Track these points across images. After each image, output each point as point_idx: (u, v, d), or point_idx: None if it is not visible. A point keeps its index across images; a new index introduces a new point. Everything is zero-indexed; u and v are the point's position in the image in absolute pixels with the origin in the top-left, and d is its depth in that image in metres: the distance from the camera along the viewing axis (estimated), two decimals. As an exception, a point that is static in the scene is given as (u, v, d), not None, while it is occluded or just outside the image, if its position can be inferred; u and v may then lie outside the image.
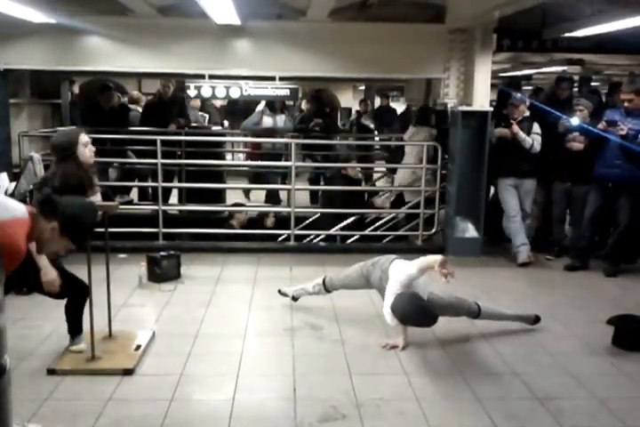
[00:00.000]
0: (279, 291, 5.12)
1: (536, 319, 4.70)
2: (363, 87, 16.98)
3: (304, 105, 10.58)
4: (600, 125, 5.93)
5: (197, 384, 3.71)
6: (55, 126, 9.17)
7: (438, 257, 3.94)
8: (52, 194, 2.79)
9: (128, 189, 8.98)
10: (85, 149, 3.97)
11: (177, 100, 9.18)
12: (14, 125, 7.27)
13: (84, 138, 3.98)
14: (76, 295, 3.88)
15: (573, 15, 7.00)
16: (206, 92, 9.81)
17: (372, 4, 6.66)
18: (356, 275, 4.53)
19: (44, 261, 3.58)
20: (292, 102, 12.51)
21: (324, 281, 4.75)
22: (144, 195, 9.19)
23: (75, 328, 4.03)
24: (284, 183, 9.12)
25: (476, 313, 4.43)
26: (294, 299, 5.01)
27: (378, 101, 15.39)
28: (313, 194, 9.46)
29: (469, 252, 6.63)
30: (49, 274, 3.60)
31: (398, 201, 8.48)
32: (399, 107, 14.38)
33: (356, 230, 7.55)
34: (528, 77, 12.99)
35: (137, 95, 10.26)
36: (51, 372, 3.74)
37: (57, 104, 9.98)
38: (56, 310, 4.04)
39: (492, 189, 6.99)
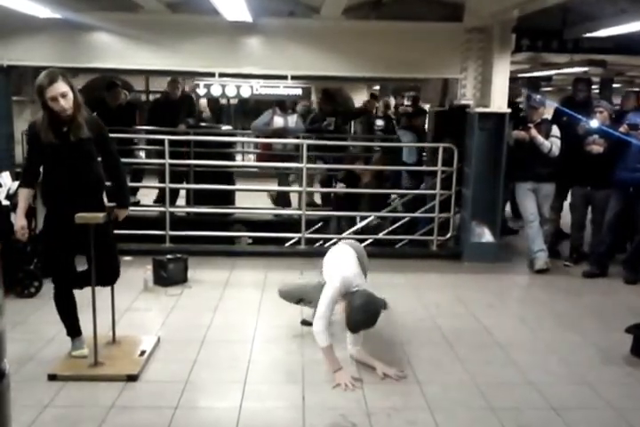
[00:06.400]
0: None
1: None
2: (377, 87, 16.82)
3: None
4: (622, 129, 5.85)
5: (203, 392, 3.67)
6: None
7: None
8: None
9: (135, 191, 8.88)
10: (53, 102, 3.52)
11: (185, 99, 9.06)
12: (17, 124, 7.20)
13: (51, 92, 3.49)
14: (55, 279, 3.88)
15: (596, 14, 6.89)
16: (216, 91, 9.69)
17: (387, 1, 6.56)
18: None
19: (19, 211, 3.77)
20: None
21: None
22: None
23: (69, 327, 3.94)
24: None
25: None
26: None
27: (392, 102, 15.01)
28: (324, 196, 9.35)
29: (485, 257, 6.51)
30: (18, 222, 3.77)
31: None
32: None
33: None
34: (548, 79, 12.84)
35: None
36: (52, 377, 3.69)
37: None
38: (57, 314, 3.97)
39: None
